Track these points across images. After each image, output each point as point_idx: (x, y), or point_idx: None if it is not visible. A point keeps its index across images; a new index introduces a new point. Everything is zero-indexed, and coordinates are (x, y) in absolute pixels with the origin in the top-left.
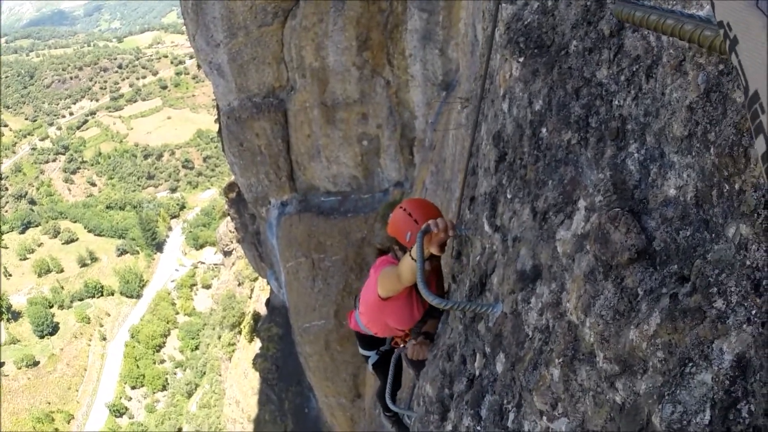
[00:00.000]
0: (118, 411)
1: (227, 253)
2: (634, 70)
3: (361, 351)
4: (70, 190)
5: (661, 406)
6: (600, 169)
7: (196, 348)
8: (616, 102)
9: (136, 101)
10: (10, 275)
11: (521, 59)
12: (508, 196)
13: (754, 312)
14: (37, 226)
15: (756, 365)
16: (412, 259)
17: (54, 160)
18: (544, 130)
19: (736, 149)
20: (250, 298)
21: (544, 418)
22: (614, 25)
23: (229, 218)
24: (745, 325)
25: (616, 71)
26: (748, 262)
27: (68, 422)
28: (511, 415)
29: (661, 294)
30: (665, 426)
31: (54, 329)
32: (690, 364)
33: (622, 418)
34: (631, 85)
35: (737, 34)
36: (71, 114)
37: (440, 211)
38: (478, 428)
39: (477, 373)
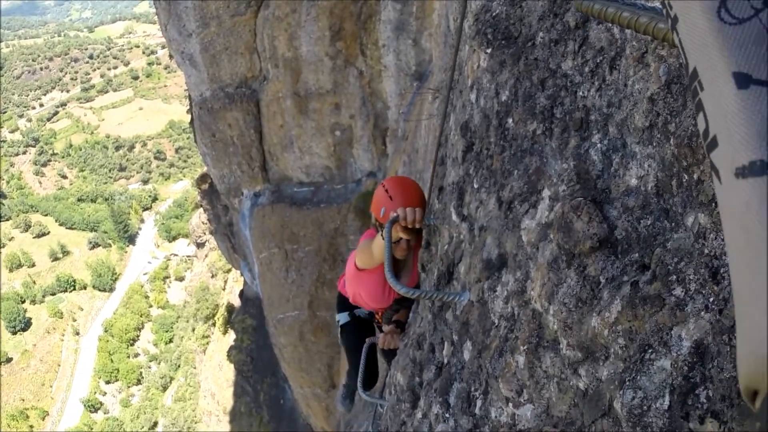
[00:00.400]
0: (92, 406)
1: (200, 245)
2: (598, 61)
3: (337, 315)
4: (40, 182)
5: (622, 391)
6: (564, 159)
7: (171, 341)
8: (581, 93)
9: (107, 92)
10: None
11: (489, 50)
12: (475, 186)
13: (711, 299)
14: (7, 219)
15: (713, 351)
16: (382, 238)
17: (24, 153)
18: (510, 120)
19: (695, 140)
20: (224, 289)
21: (510, 404)
22: (579, 17)
23: (201, 210)
24: (703, 312)
25: (580, 63)
26: (706, 251)
27: (43, 419)
28: (479, 402)
29: (623, 282)
30: (626, 411)
31: (26, 325)
32: (650, 351)
33: (585, 403)
34: (595, 76)
35: (677, 12)
36: (41, 105)
37: (421, 190)
38: (447, 415)
39: (445, 361)
